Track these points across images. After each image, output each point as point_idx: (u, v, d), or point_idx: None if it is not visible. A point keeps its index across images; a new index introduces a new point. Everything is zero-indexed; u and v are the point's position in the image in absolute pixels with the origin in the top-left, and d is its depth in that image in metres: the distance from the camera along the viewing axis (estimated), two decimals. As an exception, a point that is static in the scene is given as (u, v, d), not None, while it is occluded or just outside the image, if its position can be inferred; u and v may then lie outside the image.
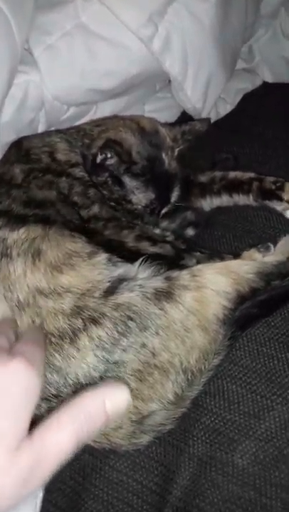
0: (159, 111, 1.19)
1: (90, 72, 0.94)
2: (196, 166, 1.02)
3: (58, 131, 0.98)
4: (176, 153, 0.95)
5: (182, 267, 0.79)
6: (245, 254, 0.86)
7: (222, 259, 0.87)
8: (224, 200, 1.02)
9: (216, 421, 0.73)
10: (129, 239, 0.87)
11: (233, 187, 1.01)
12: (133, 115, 1.03)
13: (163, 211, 0.97)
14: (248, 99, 1.30)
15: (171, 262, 0.85)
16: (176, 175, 0.97)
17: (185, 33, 0.98)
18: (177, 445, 0.73)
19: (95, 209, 0.89)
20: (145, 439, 0.72)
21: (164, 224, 0.99)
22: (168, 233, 0.92)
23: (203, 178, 1.04)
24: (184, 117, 1.21)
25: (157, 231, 0.92)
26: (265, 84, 1.34)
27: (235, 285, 0.76)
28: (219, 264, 0.79)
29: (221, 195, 1.02)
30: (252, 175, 1.01)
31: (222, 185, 1.02)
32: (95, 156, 0.92)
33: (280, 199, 0.95)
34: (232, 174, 1.02)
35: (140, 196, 0.92)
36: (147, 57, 0.97)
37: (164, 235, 0.91)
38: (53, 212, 0.83)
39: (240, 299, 0.76)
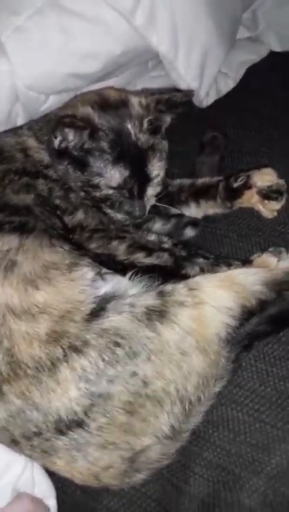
0: (153, 92, 1.06)
1: (66, 54, 0.83)
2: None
3: (29, 125, 0.87)
4: (145, 124, 0.82)
5: (183, 278, 0.70)
6: (258, 260, 0.77)
7: (229, 265, 0.77)
8: (193, 209, 0.93)
9: (220, 455, 0.66)
10: (119, 251, 0.78)
11: (200, 193, 0.91)
12: (100, 88, 0.91)
13: (149, 192, 0.84)
14: (253, 73, 1.16)
15: (171, 272, 0.75)
16: (154, 147, 0.83)
17: (173, 2, 0.86)
18: (176, 484, 0.66)
19: (80, 215, 0.80)
20: (139, 477, 0.65)
21: (158, 226, 0.88)
22: (165, 239, 0.81)
23: (170, 188, 0.93)
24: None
25: (152, 237, 0.81)
26: (272, 54, 1.19)
27: (239, 299, 0.67)
28: (220, 275, 0.70)
29: (188, 203, 0.93)
30: (221, 178, 0.90)
31: (190, 192, 0.92)
32: (52, 144, 0.81)
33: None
34: (201, 180, 0.93)
35: (109, 176, 0.80)
36: (131, 33, 0.85)
37: (160, 242, 0.81)
38: (32, 219, 0.75)
39: (247, 314, 0.67)
